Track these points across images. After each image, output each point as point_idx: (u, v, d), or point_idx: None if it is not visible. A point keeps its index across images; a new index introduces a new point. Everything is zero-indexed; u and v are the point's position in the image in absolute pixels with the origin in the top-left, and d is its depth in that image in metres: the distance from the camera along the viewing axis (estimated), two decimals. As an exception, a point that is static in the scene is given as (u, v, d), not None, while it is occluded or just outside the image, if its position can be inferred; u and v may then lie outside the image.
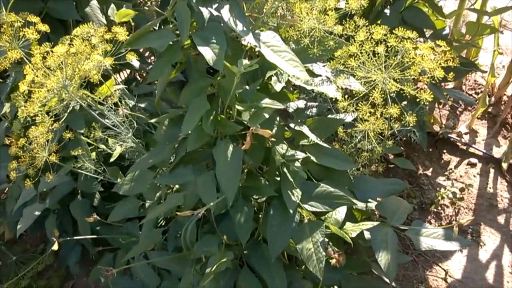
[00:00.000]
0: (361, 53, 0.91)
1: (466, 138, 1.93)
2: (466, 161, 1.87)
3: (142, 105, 1.45)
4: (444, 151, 1.92)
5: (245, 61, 0.78)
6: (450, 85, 2.04)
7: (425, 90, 0.88)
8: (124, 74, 1.93)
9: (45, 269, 1.78)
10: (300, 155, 0.98)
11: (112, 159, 1.18)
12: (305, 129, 1.01)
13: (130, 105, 1.32)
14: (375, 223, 0.95)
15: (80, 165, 1.24)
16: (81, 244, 1.67)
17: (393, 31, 0.90)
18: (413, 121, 0.91)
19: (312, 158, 1.02)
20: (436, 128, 1.92)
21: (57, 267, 1.78)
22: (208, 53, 0.80)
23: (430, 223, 1.69)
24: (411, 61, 0.89)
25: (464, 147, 1.91)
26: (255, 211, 1.13)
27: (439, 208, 1.73)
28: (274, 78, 0.90)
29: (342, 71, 0.92)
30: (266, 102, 0.84)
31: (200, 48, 0.80)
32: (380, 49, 0.88)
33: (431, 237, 1.06)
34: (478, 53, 1.93)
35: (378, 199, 1.24)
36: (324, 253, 0.91)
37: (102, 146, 1.19)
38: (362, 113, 1.09)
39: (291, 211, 0.95)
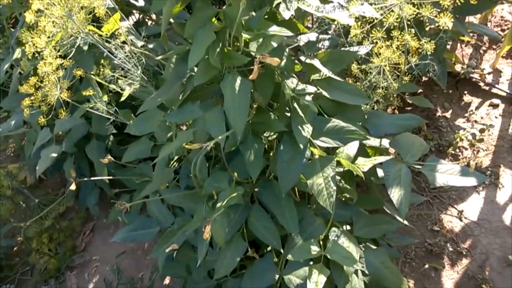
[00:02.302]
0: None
1: (489, 78, 1.85)
2: (488, 102, 1.80)
3: (151, 46, 1.42)
4: (465, 92, 1.84)
5: (251, -15, 0.73)
6: (474, 20, 1.92)
7: (445, 14, 0.82)
8: (134, 18, 1.88)
9: (67, 211, 1.85)
10: (311, 89, 0.95)
11: (122, 99, 1.17)
12: (316, 62, 0.97)
13: (139, 45, 1.29)
14: (388, 157, 0.92)
15: (92, 105, 1.24)
16: (99, 186, 1.71)
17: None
18: (431, 49, 0.86)
19: (324, 92, 0.99)
20: (458, 68, 1.83)
21: (78, 209, 1.85)
22: (211, -23, 0.75)
23: (447, 165, 1.66)
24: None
25: (487, 88, 1.83)
26: (266, 149, 1.12)
27: (457, 150, 1.69)
28: (282, 5, 0.86)
29: (355, -3, 0.87)
30: (274, 29, 0.80)
31: (203, -28, 0.76)
32: (397, -30, 0.82)
33: (446, 173, 1.03)
34: (507, -14, 1.79)
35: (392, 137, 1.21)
36: (334, 188, 0.90)
37: (112, 86, 1.18)
38: (377, 47, 1.04)
39: (301, 146, 0.94)
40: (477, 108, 1.80)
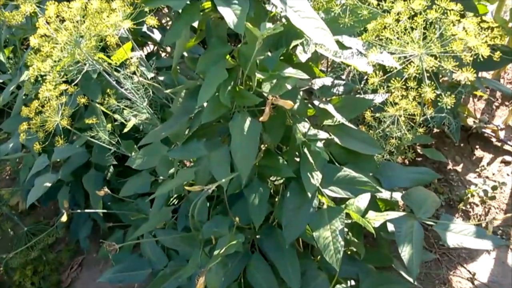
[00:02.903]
0: (397, 24, 0.82)
1: (501, 134, 1.81)
2: (500, 159, 1.75)
3: (161, 78, 1.40)
4: (477, 146, 1.80)
5: (269, 25, 0.71)
6: (487, 75, 1.91)
7: (467, 69, 0.78)
8: (148, 49, 1.88)
9: (56, 242, 1.77)
10: (323, 135, 0.90)
11: (126, 130, 1.13)
12: (330, 108, 0.93)
13: (149, 77, 1.27)
14: (401, 213, 0.86)
15: (94, 134, 1.20)
16: (93, 219, 1.64)
17: (435, 1, 0.81)
18: (451, 103, 0.82)
19: (336, 139, 0.95)
20: (470, 122, 1.80)
21: (68, 241, 1.76)
22: (229, 14, 0.72)
23: (457, 222, 1.59)
24: (453, 35, 0.79)
25: (499, 144, 1.79)
26: (271, 194, 1.07)
27: (468, 206, 1.62)
28: (299, 48, 0.83)
29: (375, 44, 0.84)
30: (290, 71, 0.77)
31: (220, 9, 0.73)
32: (420, 19, 0.79)
33: (460, 234, 0.97)
34: (521, 44, 1.79)
35: (403, 190, 1.15)
36: (342, 243, 0.84)
37: (117, 116, 1.14)
38: (393, 96, 1.01)
39: (309, 194, 0.88)
40: (488, 164, 1.75)
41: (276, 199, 1.09)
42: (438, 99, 0.91)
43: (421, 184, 0.97)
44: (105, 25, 0.85)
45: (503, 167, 1.73)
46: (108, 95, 1.08)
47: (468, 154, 1.79)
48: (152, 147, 1.09)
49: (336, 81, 1.00)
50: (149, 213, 1.25)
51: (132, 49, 1.12)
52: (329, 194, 0.92)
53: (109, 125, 1.27)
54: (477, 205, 1.63)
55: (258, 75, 0.77)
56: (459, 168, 1.75)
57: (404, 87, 0.95)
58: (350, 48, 0.84)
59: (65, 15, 0.81)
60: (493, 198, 1.59)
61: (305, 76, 0.76)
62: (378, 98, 0.97)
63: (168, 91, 1.02)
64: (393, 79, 0.81)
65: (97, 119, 1.18)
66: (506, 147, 1.77)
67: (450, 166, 1.75)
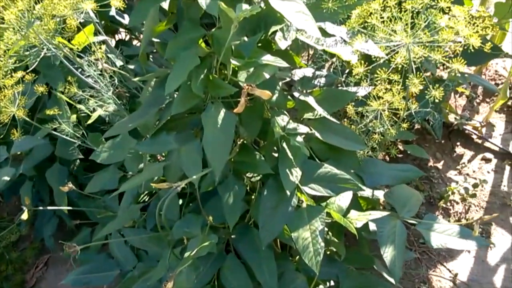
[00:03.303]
0: (383, 10, 0.76)
1: (482, 131, 1.79)
2: (480, 156, 1.73)
3: (131, 67, 1.31)
4: (458, 143, 1.78)
5: (246, 6, 0.64)
6: (469, 72, 1.89)
7: (457, 59, 0.73)
8: (121, 37, 1.77)
9: (20, 239, 1.66)
10: (303, 129, 0.84)
11: (90, 121, 1.04)
12: (311, 100, 0.87)
13: (117, 65, 1.18)
14: (384, 213, 0.81)
15: (56, 126, 1.10)
16: (59, 216, 1.55)
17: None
18: (440, 97, 0.77)
19: (317, 134, 0.89)
20: (451, 118, 1.77)
21: (33, 238, 1.66)
22: (201, -6, 0.65)
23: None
24: (444, 25, 0.74)
25: (480, 141, 1.77)
26: (247, 191, 1.00)
27: (448, 204, 1.60)
28: (279, 34, 0.76)
29: (360, 32, 0.78)
30: (268, 59, 0.70)
31: (192, -12, 0.66)
32: (408, 5, 0.74)
33: (444, 234, 0.93)
34: (503, 40, 1.77)
35: (385, 187, 1.11)
36: (322, 244, 0.78)
37: (80, 107, 1.05)
38: (377, 89, 0.96)
39: (288, 192, 0.82)
40: (469, 161, 1.73)
41: (253, 197, 1.02)
42: (426, 92, 0.86)
43: (405, 182, 0.93)
44: (62, 4, 0.76)
45: (484, 164, 1.71)
46: (70, 83, 0.99)
47: (449, 151, 1.77)
48: (120, 140, 1.01)
49: (318, 72, 0.93)
50: (117, 210, 1.17)
51: (97, 34, 1.03)
52: (308, 192, 0.86)
53: (74, 116, 1.18)
54: (457, 203, 1.61)
55: (234, 62, 0.70)
56: (439, 165, 1.72)
57: (389, 80, 0.90)
58: (334, 35, 0.78)
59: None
60: (473, 196, 1.57)
61: (285, 64, 0.69)
62: (361, 91, 0.91)
63: (136, 79, 0.94)
64: (379, 69, 0.76)
65: (60, 109, 1.08)
66: (486, 144, 1.75)
67: (431, 163, 1.72)
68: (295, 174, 0.84)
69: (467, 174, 1.69)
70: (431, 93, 0.81)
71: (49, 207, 1.28)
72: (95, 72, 0.91)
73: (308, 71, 0.94)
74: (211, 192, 0.95)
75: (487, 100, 1.91)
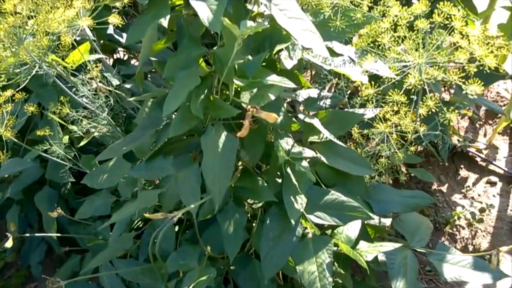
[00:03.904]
0: (393, 29, 0.72)
1: (485, 153, 1.75)
2: (485, 179, 1.69)
3: (128, 86, 1.26)
4: (462, 166, 1.73)
5: (250, 23, 0.59)
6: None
7: (474, 80, 0.69)
8: (119, 56, 1.73)
9: (6, 266, 1.57)
10: (309, 153, 0.79)
11: (82, 143, 0.99)
12: (316, 122, 0.82)
13: (114, 84, 1.14)
14: (396, 245, 0.76)
15: (46, 148, 1.05)
16: (47, 242, 1.47)
17: (436, 5, 0.72)
18: (455, 118, 0.73)
19: (323, 158, 0.84)
20: (454, 140, 1.73)
21: (20, 265, 1.57)
22: (203, 10, 0.61)
23: (443, 246, 1.50)
24: (457, 44, 0.70)
25: (484, 164, 1.73)
26: (248, 218, 0.94)
27: (454, 229, 1.54)
28: (284, 53, 0.72)
29: (369, 52, 0.74)
30: (274, 79, 0.65)
31: (193, 3, 0.62)
32: (421, 24, 0.70)
33: (458, 265, 0.87)
34: (505, 61, 1.75)
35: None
36: (330, 279, 0.72)
37: (73, 128, 1.00)
38: (384, 111, 0.92)
39: (292, 221, 0.76)
40: (474, 184, 1.68)
41: (254, 224, 0.97)
42: (432, 114, 0.82)
43: (415, 209, 0.88)
44: (56, 21, 0.72)
45: (489, 187, 1.66)
46: (62, 103, 0.94)
47: (453, 174, 1.72)
48: (114, 163, 0.95)
49: (323, 93, 0.89)
50: (109, 238, 1.10)
51: (93, 52, 0.98)
52: (314, 221, 0.80)
53: (66, 138, 1.13)
54: (463, 228, 1.55)
55: (237, 82, 0.66)
56: (444, 188, 1.67)
57: (396, 101, 0.86)
58: (342, 55, 0.74)
59: (7, 6, 0.68)
60: (481, 221, 1.52)
61: (292, 85, 0.64)
62: (369, 113, 0.87)
63: (132, 99, 0.89)
64: (391, 91, 0.72)
65: (51, 130, 1.03)
66: (491, 167, 1.71)
67: (434, 186, 1.67)
68: (300, 202, 0.79)
69: (472, 198, 1.64)
70: (444, 116, 0.77)
71: (38, 234, 1.21)
72: (89, 92, 0.86)
73: (313, 92, 0.90)
74: (209, 220, 0.89)
75: (490, 122, 1.88)
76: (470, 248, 1.52)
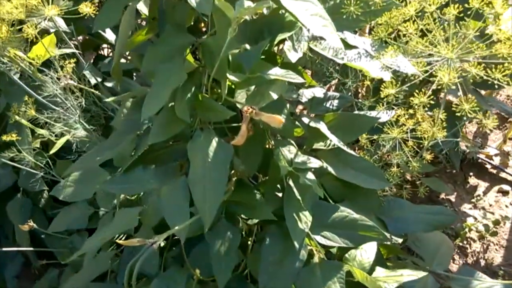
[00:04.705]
0: (418, 17, 0.61)
1: (496, 160, 1.64)
2: (496, 188, 1.58)
3: (110, 84, 1.14)
4: (471, 173, 1.62)
5: (248, 3, 0.48)
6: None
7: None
8: (104, 53, 1.61)
9: (-22, 281, 1.44)
10: (315, 163, 0.67)
11: (53, 150, 0.87)
12: (322, 127, 0.71)
13: (92, 83, 1.02)
14: (420, 273, 0.64)
15: (13, 154, 0.92)
16: (24, 254, 1.34)
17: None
18: (492, 125, 0.62)
19: (330, 169, 0.72)
20: (462, 146, 1.62)
21: (-6, 280, 1.44)
22: (189, -11, 0.49)
23: (454, 260, 1.39)
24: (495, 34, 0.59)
25: (494, 171, 1.62)
26: (243, 235, 0.82)
27: (465, 242, 1.43)
28: (287, 43, 0.60)
29: (389, 44, 0.62)
30: (277, 72, 0.53)
31: (177, -20, 0.50)
32: (451, 11, 0.58)
33: (484, 292, 0.76)
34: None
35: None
36: (342, 314, 0.60)
37: (43, 132, 0.87)
38: (396, 114, 0.81)
39: (296, 244, 0.64)
40: (484, 193, 1.57)
41: (249, 242, 0.85)
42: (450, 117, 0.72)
43: (438, 228, 0.76)
44: (14, 4, 0.60)
45: (501, 197, 1.56)
46: (26, 104, 0.81)
47: (461, 182, 1.61)
48: (88, 172, 0.83)
49: (330, 93, 0.77)
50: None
51: (61, 46, 0.86)
52: (321, 242, 0.68)
53: (37, 143, 1.00)
54: (474, 241, 1.44)
55: (231, 78, 0.53)
56: (452, 198, 1.56)
57: (409, 104, 0.76)
58: (356, 47, 0.62)
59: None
60: (494, 234, 1.41)
61: (300, 79, 0.52)
62: (384, 116, 0.75)
63: (109, 99, 0.77)
64: (419, 91, 0.60)
65: (19, 134, 0.90)
66: (502, 174, 1.60)
67: (442, 196, 1.56)
68: (305, 220, 0.67)
69: (483, 208, 1.52)
70: (468, 120, 0.65)
71: (7, 248, 1.08)
72: (57, 91, 0.73)
73: (318, 91, 0.78)
74: (197, 238, 0.77)
75: (500, 126, 1.78)
76: (482, 262, 1.41)
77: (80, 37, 1.36)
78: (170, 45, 0.59)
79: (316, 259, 0.67)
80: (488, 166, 1.63)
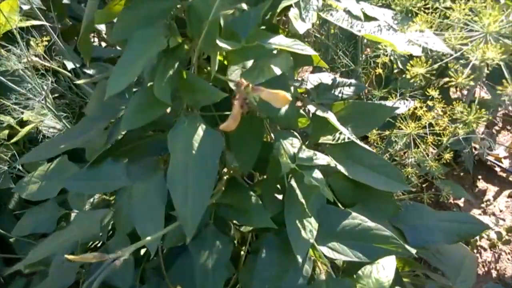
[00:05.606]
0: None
1: (505, 162, 1.54)
2: (506, 192, 1.48)
3: (90, 72, 1.02)
4: (479, 176, 1.52)
5: None
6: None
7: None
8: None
9: None
10: (323, 159, 0.56)
11: (15, 139, 0.74)
12: (332, 117, 0.59)
13: (69, 68, 0.90)
14: (450, 295, 0.53)
15: (-30, 145, 0.80)
16: (-9, 259, 1.21)
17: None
18: None
19: (339, 167, 0.60)
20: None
21: (-43, 287, 1.31)
22: None
23: (463, 270, 1.28)
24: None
25: (504, 174, 1.52)
26: (235, 244, 0.70)
27: (475, 251, 1.32)
28: (293, 11, 0.49)
29: (415, 16, 0.51)
30: (280, 41, 0.42)
31: None
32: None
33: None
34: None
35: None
36: None
37: (4, 118, 0.75)
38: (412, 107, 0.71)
39: (299, 258, 0.53)
40: (494, 198, 1.47)
41: (242, 252, 0.73)
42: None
43: (464, 239, 0.65)
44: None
45: (511, 202, 1.46)
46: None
47: (469, 186, 1.51)
48: (55, 166, 0.71)
49: (339, 79, 0.66)
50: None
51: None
52: (328, 255, 0.57)
53: (5, 132, 0.88)
54: (485, 250, 1.34)
55: (222, 46, 0.42)
56: (460, 203, 1.46)
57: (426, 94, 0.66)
58: (375, 19, 0.51)
59: None
60: (507, 242, 1.31)
61: (310, 51, 0.41)
62: (402, 107, 0.64)
63: (81, 81, 0.65)
64: (452, 74, 0.48)
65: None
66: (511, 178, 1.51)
67: (450, 200, 1.45)
68: (309, 228, 0.55)
69: (493, 214, 1.42)
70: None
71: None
72: (16, 66, 0.61)
73: (325, 77, 0.67)
74: (179, 248, 0.65)
75: (508, 127, 1.68)
76: (494, 273, 1.31)
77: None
78: (149, 8, 0.47)
79: (322, 276, 0.56)
80: (498, 168, 1.53)
